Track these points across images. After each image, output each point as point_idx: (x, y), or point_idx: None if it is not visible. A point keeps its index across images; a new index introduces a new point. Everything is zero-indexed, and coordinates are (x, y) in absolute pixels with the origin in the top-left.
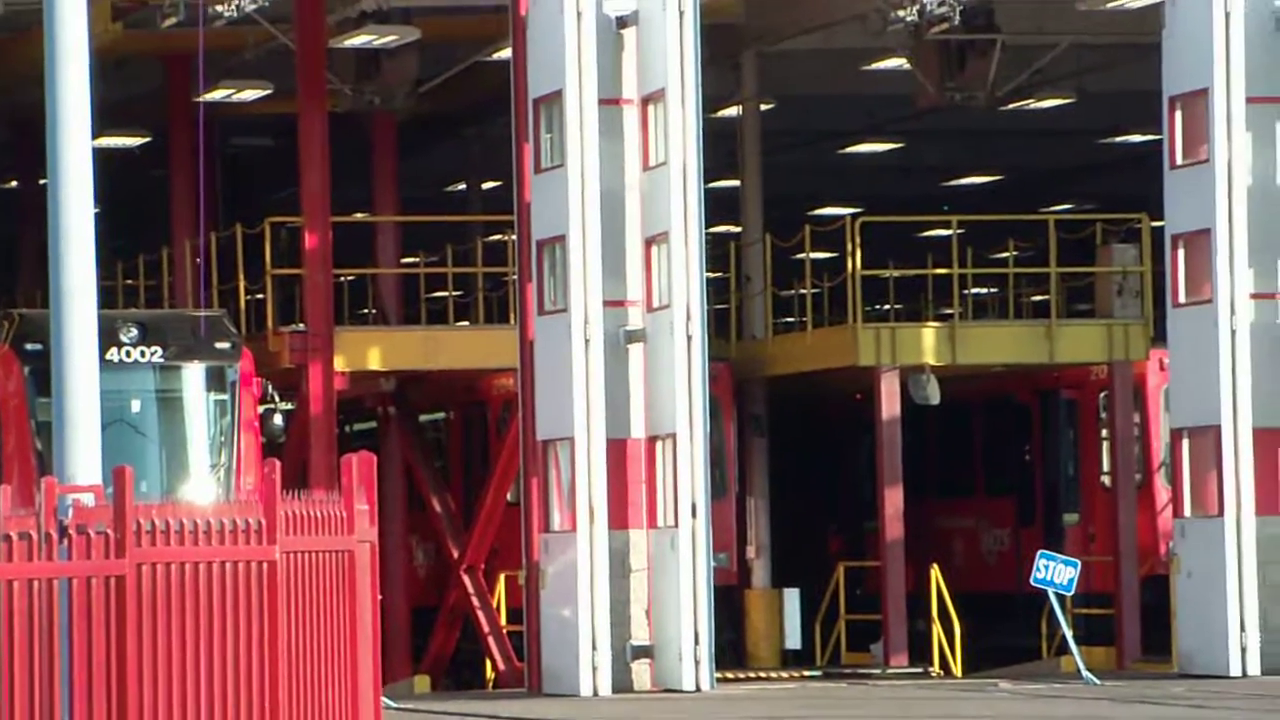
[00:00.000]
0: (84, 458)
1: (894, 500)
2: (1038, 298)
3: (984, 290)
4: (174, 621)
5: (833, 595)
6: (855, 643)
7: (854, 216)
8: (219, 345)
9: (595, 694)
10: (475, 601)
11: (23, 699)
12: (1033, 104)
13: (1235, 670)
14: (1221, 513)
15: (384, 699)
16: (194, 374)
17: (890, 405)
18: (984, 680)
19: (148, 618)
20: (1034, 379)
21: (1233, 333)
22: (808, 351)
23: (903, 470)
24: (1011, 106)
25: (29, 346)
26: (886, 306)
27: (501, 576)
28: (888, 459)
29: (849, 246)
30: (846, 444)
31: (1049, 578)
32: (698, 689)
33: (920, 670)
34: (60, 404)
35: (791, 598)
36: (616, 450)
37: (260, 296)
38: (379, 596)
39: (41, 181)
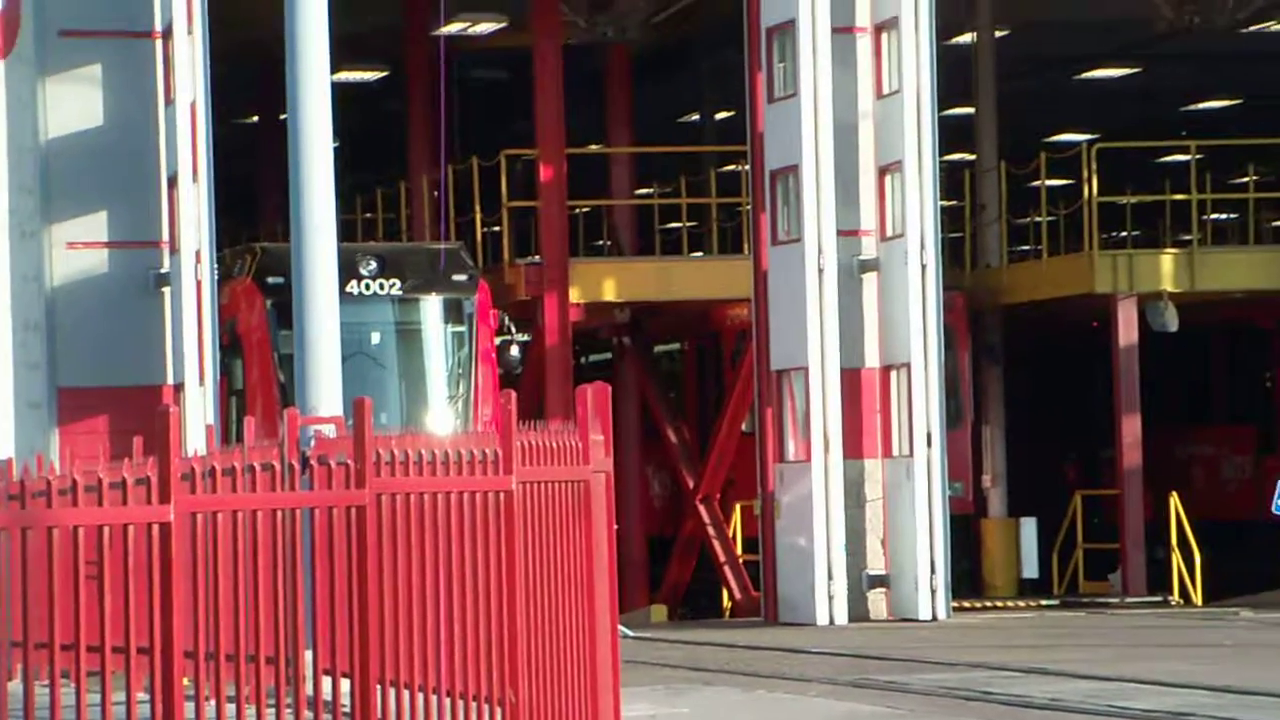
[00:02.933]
0: (325, 389)
1: (1131, 428)
2: (1279, 223)
3: (1223, 215)
4: (414, 550)
5: (1070, 524)
6: (1093, 572)
7: (1090, 142)
8: (456, 277)
9: (831, 623)
10: (711, 531)
11: (268, 622)
12: (1274, 26)
13: None
14: None
15: (621, 627)
16: (432, 306)
17: (1128, 333)
18: (1224, 609)
19: (388, 547)
20: (1275, 305)
21: None
22: (1043, 279)
23: (1140, 398)
24: (1252, 29)
25: (271, 280)
26: (1124, 233)
27: (737, 506)
28: (1125, 386)
29: (1085, 173)
30: (1083, 372)
31: None
32: (934, 618)
33: (1159, 599)
34: (301, 336)
35: (1028, 526)
36: (851, 379)
37: (497, 229)
38: (615, 526)
39: (282, 117)
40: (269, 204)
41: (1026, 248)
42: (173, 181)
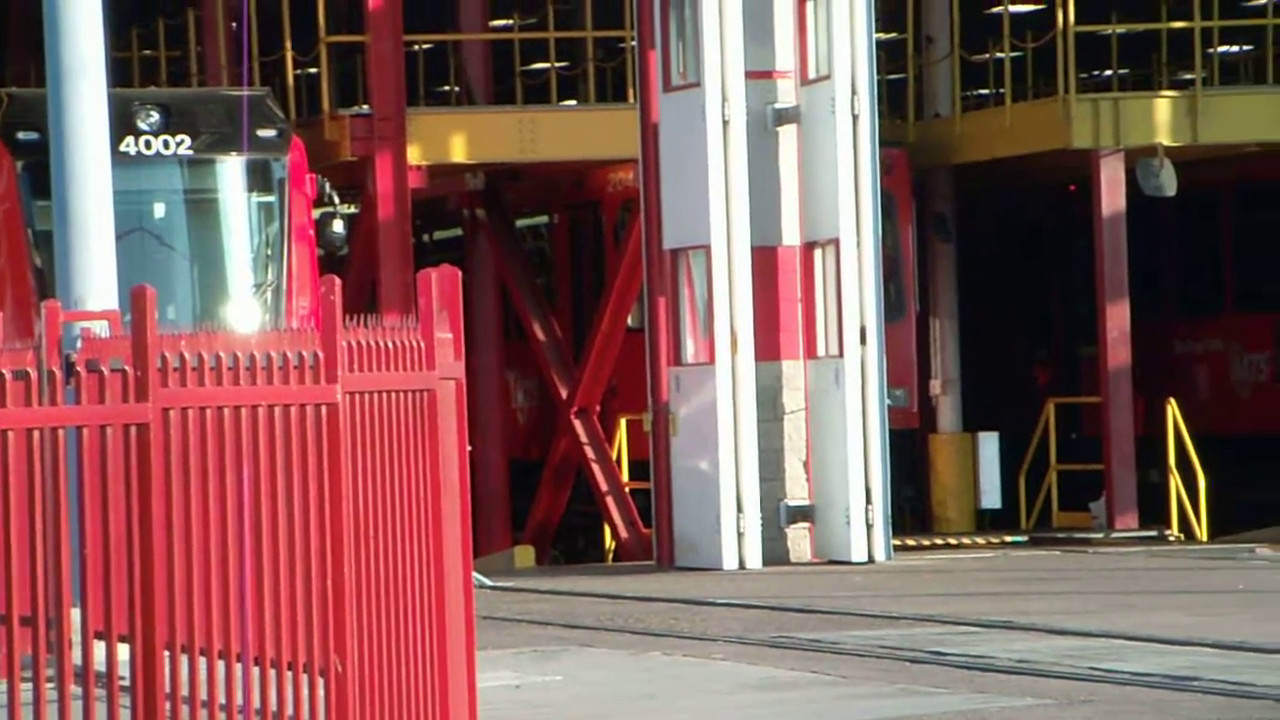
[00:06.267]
0: (95, 276)
1: (1118, 319)
2: None
3: (1233, 48)
4: (211, 480)
5: (1040, 440)
6: (1070, 500)
7: None
8: (262, 133)
9: (741, 567)
10: (589, 452)
11: (23, 576)
12: None
13: None
14: None
15: (476, 576)
16: (231, 169)
17: (1113, 198)
18: (1235, 545)
19: (178, 476)
20: None
21: None
22: (1006, 132)
23: (1129, 282)
24: None
25: (22, 135)
26: (1108, 72)
27: (622, 421)
28: (1109, 267)
29: None
30: (1056, 249)
31: None
32: (870, 559)
33: (1154, 534)
34: (64, 208)
35: (988, 444)
36: (764, 260)
37: (313, 71)
38: (468, 447)
39: None
40: (19, 39)
41: (985, 92)
42: None
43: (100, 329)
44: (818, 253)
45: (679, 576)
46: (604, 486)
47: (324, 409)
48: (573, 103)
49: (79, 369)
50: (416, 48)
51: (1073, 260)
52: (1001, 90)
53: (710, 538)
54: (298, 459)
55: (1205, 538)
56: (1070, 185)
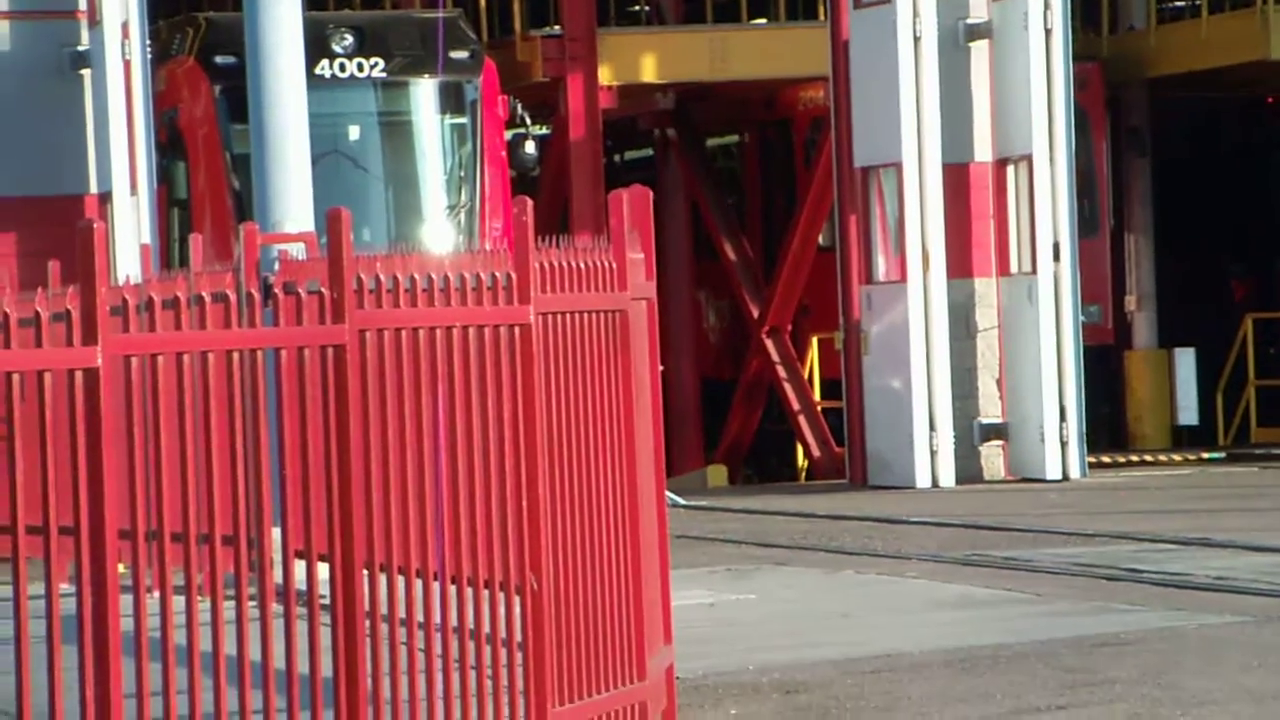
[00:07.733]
0: (291, 198)
1: None
2: None
3: None
4: (407, 401)
5: (1239, 356)
6: (1269, 416)
7: None
8: (455, 55)
9: (934, 485)
10: (781, 371)
11: (224, 497)
12: None
13: None
14: None
15: (669, 494)
16: (425, 91)
17: None
18: None
19: (374, 397)
20: None
21: None
22: (1203, 45)
23: None
24: None
25: (220, 59)
26: None
27: (814, 340)
28: None
29: None
30: (1254, 162)
31: None
32: (1065, 477)
33: None
34: (261, 131)
35: (1185, 360)
36: (956, 177)
37: None
38: (661, 367)
39: None
40: None
41: (1181, 4)
42: None
43: (297, 251)
44: (1010, 169)
45: (872, 495)
46: (796, 405)
47: (517, 330)
48: (763, 21)
49: (276, 291)
50: None
51: (1271, 173)
52: (1197, 2)
53: (903, 456)
54: (492, 379)
55: None
56: (1268, 98)
